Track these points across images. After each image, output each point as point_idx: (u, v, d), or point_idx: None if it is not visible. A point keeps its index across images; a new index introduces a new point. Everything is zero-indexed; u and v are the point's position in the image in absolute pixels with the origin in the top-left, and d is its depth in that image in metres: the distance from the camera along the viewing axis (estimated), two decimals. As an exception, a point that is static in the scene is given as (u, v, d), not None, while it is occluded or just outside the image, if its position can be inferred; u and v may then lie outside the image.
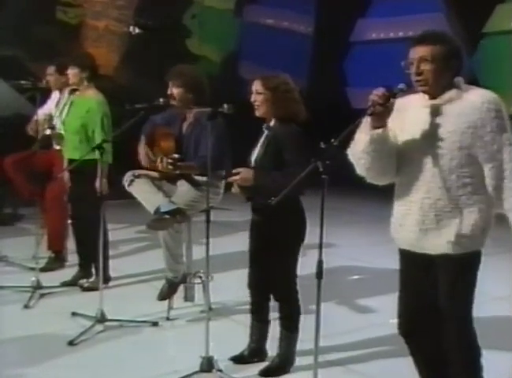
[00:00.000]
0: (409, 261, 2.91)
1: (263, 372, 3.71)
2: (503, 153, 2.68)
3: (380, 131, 2.73)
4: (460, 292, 2.79)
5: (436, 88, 2.75)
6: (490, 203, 2.75)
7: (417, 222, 2.79)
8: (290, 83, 3.73)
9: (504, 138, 2.69)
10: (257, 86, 3.69)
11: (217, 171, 4.23)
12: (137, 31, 10.41)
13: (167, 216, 4.27)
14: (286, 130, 3.64)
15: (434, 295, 2.83)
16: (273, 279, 3.73)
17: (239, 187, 3.61)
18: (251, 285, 3.83)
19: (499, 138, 2.68)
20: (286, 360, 3.77)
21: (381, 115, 2.70)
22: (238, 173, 3.58)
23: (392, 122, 2.77)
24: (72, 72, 5.02)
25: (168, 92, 4.40)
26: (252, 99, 3.69)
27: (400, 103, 2.79)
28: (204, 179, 4.09)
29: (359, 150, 2.79)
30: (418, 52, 2.73)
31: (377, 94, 2.65)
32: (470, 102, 2.70)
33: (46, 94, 5.83)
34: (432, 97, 2.77)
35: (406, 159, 2.82)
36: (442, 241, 2.75)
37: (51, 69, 5.71)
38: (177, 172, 4.31)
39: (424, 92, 2.78)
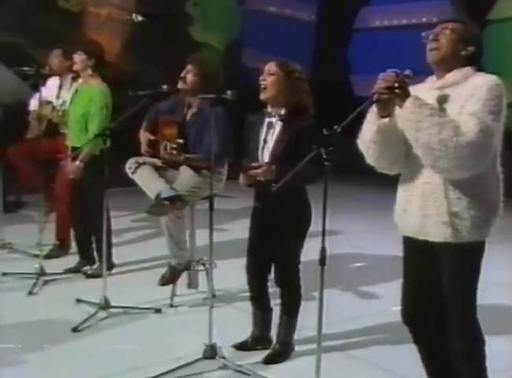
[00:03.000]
0: (412, 249, 2.89)
1: (266, 360, 3.72)
2: (469, 119, 2.56)
3: (386, 120, 2.71)
4: (462, 282, 2.77)
5: (446, 61, 2.72)
6: (494, 193, 2.72)
7: (419, 207, 2.77)
8: (303, 74, 3.67)
9: (480, 110, 2.56)
10: (270, 66, 3.59)
11: (221, 160, 4.25)
12: (139, 18, 10.37)
13: (166, 202, 4.27)
14: (306, 123, 3.53)
15: (437, 283, 2.82)
16: (276, 266, 3.73)
17: (255, 180, 3.53)
18: (250, 271, 3.80)
19: (479, 107, 2.57)
20: (286, 346, 3.77)
21: (387, 103, 2.68)
22: (259, 167, 3.50)
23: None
24: (79, 58, 5.00)
25: (182, 74, 4.38)
26: (261, 79, 3.58)
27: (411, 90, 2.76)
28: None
29: (367, 139, 2.77)
30: (442, 26, 2.75)
31: (384, 78, 2.63)
32: (474, 82, 2.65)
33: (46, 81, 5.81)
34: (439, 76, 2.75)
35: (411, 144, 2.79)
36: (441, 228, 2.72)
37: (57, 52, 5.71)
38: (181, 157, 4.31)
39: (434, 62, 2.74)
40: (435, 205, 2.72)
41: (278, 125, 3.60)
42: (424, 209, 2.76)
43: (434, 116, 2.57)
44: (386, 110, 2.71)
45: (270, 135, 3.62)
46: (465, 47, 2.73)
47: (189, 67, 4.39)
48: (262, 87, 3.58)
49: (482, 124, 2.55)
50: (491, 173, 2.71)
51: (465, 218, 2.69)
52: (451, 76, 2.72)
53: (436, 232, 2.74)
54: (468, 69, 2.73)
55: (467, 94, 2.63)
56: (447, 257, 2.77)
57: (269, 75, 3.58)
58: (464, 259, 2.76)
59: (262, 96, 3.60)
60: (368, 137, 2.77)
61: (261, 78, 3.60)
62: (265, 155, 3.62)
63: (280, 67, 3.59)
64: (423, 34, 2.77)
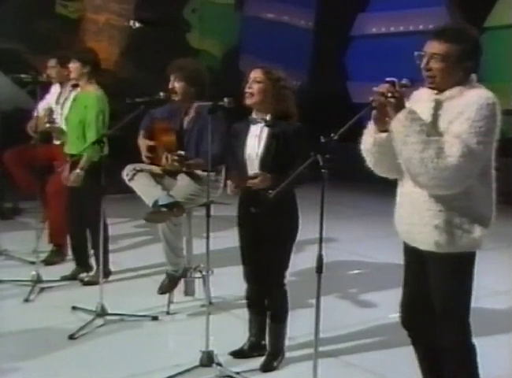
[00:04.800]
0: (408, 254, 2.91)
1: (262, 367, 3.71)
2: (454, 142, 2.54)
3: (383, 135, 2.72)
4: (450, 293, 2.77)
5: (443, 85, 2.70)
6: (481, 206, 2.71)
7: (408, 215, 2.79)
8: (289, 82, 3.68)
9: (465, 131, 2.54)
10: (257, 74, 3.58)
11: (218, 165, 4.24)
12: (137, 25, 10.39)
13: (164, 209, 4.26)
14: (293, 127, 3.56)
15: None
16: (265, 272, 3.69)
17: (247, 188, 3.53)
18: (248, 279, 3.80)
19: (465, 127, 2.55)
20: (279, 350, 3.76)
21: (385, 118, 2.67)
22: (255, 177, 3.49)
23: None
24: (74, 67, 5.00)
25: (170, 86, 4.40)
26: (247, 86, 3.57)
27: (413, 95, 2.76)
28: (205, 174, 4.08)
29: (366, 148, 2.81)
30: (432, 47, 2.68)
31: (379, 88, 2.62)
32: (467, 99, 2.64)
33: (45, 88, 5.82)
34: (438, 92, 2.74)
35: None
36: (425, 237, 2.73)
37: (53, 62, 5.71)
38: (184, 169, 4.30)
39: (430, 87, 2.75)
40: (420, 215, 2.74)
41: (265, 132, 3.60)
42: (411, 217, 2.78)
43: (422, 133, 2.57)
44: (384, 125, 2.71)
45: (258, 142, 3.60)
46: (459, 67, 2.68)
47: (172, 77, 4.41)
48: (248, 94, 3.57)
49: (465, 148, 2.54)
50: (478, 187, 2.69)
51: (445, 230, 2.69)
52: (447, 93, 2.71)
53: (421, 241, 2.77)
54: (466, 83, 2.70)
55: (457, 111, 2.62)
56: (434, 267, 2.79)
57: (256, 83, 3.57)
58: (452, 271, 2.76)
59: (248, 102, 3.59)
60: (366, 147, 2.81)
61: (247, 85, 3.58)
62: (255, 163, 3.61)
63: (266, 74, 3.58)
64: (415, 54, 2.73)
